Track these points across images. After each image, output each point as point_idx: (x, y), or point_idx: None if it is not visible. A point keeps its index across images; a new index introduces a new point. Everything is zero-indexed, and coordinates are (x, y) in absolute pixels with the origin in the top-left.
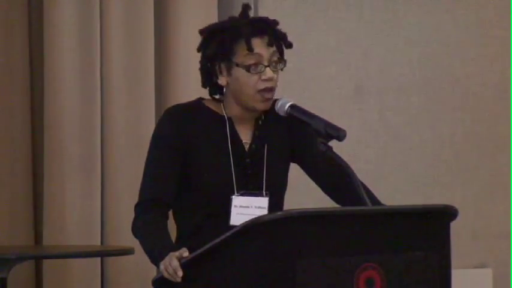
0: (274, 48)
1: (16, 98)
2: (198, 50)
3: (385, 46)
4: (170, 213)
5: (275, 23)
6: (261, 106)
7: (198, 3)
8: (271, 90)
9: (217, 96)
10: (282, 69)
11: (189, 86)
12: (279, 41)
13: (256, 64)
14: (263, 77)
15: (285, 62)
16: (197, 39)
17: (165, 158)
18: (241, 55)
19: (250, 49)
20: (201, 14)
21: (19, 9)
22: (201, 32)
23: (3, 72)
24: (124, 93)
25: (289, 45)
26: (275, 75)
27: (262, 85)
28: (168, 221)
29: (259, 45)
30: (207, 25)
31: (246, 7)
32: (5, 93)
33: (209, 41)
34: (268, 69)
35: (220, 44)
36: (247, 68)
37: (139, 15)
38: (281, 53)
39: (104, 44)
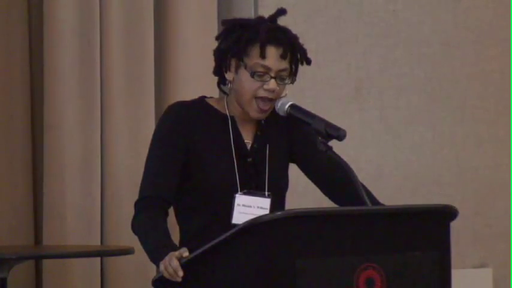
0: (286, 62)
1: (16, 98)
2: (217, 38)
3: (385, 46)
4: (170, 210)
5: (296, 38)
6: (255, 115)
7: (197, 4)
8: (269, 100)
9: (225, 89)
10: (291, 83)
11: (189, 86)
12: (296, 55)
13: (263, 73)
14: (265, 87)
15: (294, 79)
16: (197, 39)
17: (166, 155)
18: (252, 59)
19: (262, 55)
20: (201, 14)
21: (19, 9)
22: (223, 22)
23: (3, 72)
24: (124, 93)
25: (308, 61)
26: (277, 88)
27: (262, 93)
28: (168, 219)
29: (272, 55)
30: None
31: (280, 11)
32: (5, 93)
33: (227, 34)
34: (272, 80)
35: (236, 41)
36: (252, 74)
37: (139, 15)
38: (294, 68)
39: (104, 44)
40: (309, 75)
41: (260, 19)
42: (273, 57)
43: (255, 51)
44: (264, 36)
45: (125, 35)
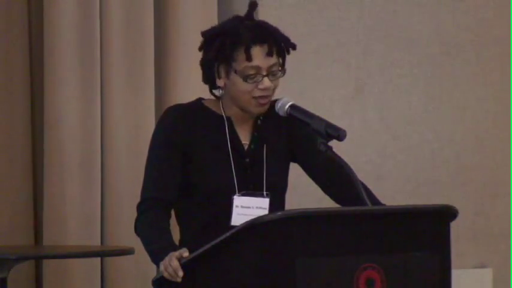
0: (274, 58)
1: (16, 98)
2: (200, 49)
3: (385, 46)
4: (172, 211)
5: (276, 30)
6: (256, 110)
7: (198, 3)
8: (266, 97)
9: (217, 93)
10: (283, 75)
11: (189, 86)
12: (281, 47)
13: (254, 75)
14: (260, 86)
15: (284, 70)
16: (197, 39)
17: (165, 156)
18: (240, 63)
19: (249, 58)
20: (201, 14)
21: (19, 9)
22: (203, 33)
23: (3, 72)
24: (124, 93)
25: (293, 47)
26: (272, 85)
27: (258, 93)
28: (170, 220)
29: (259, 55)
30: (209, 27)
31: (252, 6)
32: (5, 93)
33: (210, 43)
34: (265, 78)
35: (221, 48)
36: (245, 78)
37: (139, 15)
38: (282, 59)
39: (103, 44)
40: (309, 75)
41: (236, 19)
42: (260, 57)
43: (241, 55)
44: (246, 39)
45: (125, 34)
